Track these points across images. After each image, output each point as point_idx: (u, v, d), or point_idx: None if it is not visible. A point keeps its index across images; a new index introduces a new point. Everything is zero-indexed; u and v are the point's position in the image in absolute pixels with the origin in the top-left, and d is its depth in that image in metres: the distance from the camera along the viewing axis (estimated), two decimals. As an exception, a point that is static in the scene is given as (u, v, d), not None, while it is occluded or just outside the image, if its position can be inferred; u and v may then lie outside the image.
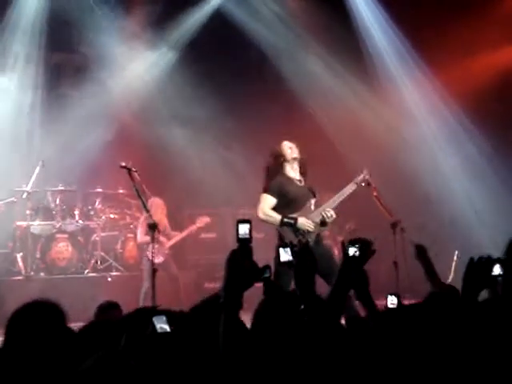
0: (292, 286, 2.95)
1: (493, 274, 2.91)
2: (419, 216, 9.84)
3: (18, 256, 9.36)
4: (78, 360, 2.34)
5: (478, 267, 2.88)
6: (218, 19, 10.90)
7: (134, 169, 7.23)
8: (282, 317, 2.64)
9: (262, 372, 2.48)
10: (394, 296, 2.97)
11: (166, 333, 2.31)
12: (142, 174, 7.58)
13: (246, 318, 2.64)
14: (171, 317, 2.34)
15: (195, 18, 11.15)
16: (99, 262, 9.69)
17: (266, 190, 6.30)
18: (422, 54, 10.78)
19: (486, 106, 10.30)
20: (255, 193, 6.42)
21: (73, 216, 9.89)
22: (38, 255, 9.31)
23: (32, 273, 9.18)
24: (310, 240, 6.17)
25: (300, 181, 6.47)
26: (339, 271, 2.88)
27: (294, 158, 6.47)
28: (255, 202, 6.41)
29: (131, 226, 10.08)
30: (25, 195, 9.41)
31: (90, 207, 10.14)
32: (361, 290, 2.86)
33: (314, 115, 10.97)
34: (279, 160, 6.43)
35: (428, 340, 2.64)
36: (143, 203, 7.21)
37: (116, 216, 10.26)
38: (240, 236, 2.52)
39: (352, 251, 2.85)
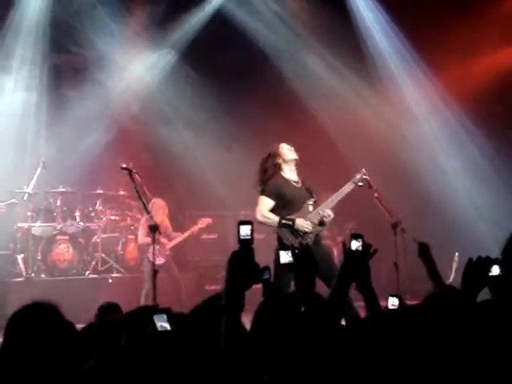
0: (292, 287, 2.94)
1: (491, 274, 2.91)
2: (420, 216, 9.82)
3: (19, 257, 9.36)
4: (80, 361, 2.34)
5: (476, 267, 2.88)
6: (219, 19, 10.90)
7: (134, 170, 7.23)
8: (282, 319, 2.63)
9: (261, 373, 2.47)
10: (394, 297, 2.97)
11: (166, 332, 2.31)
12: (142, 176, 7.58)
13: (246, 320, 2.63)
14: (172, 316, 2.34)
15: (196, 19, 11.15)
16: (100, 264, 9.69)
17: (264, 192, 6.31)
18: (422, 54, 10.78)
19: (487, 107, 10.30)
20: (256, 194, 6.42)
21: (73, 217, 9.89)
22: (38, 257, 9.31)
23: (33, 274, 9.18)
24: (308, 240, 6.17)
25: (297, 182, 6.47)
26: (341, 265, 2.88)
27: (293, 160, 6.48)
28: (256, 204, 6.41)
29: (132, 228, 10.07)
30: (26, 197, 9.40)
31: (90, 209, 10.15)
32: (363, 283, 2.86)
33: (316, 115, 10.98)
34: (277, 161, 6.43)
35: (427, 340, 2.64)
36: (144, 205, 7.20)
37: (117, 217, 10.25)
38: (241, 237, 2.51)
39: (355, 245, 2.85)
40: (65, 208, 9.82)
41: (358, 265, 2.84)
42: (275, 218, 6.22)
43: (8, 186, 9.53)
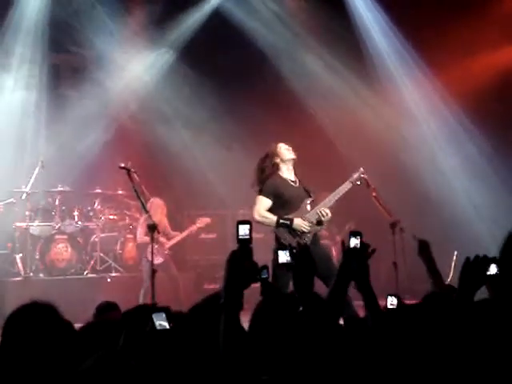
0: (291, 287, 2.94)
1: (489, 273, 2.90)
2: (419, 216, 9.82)
3: (18, 257, 9.35)
4: (78, 360, 2.34)
5: (473, 266, 2.88)
6: (217, 19, 10.90)
7: (133, 169, 7.22)
8: (280, 318, 2.63)
9: (260, 372, 2.47)
10: (393, 297, 2.97)
11: (165, 331, 2.30)
12: (141, 175, 7.57)
13: (245, 319, 2.63)
14: (171, 314, 2.34)
15: (194, 18, 11.15)
16: (98, 263, 9.69)
17: (262, 192, 6.31)
18: (421, 53, 10.77)
19: (486, 106, 10.30)
20: (255, 193, 6.42)
21: (72, 217, 9.88)
22: (37, 256, 9.31)
23: (31, 274, 9.17)
24: (306, 240, 6.17)
25: (295, 182, 6.47)
26: (340, 264, 2.88)
27: (291, 159, 6.48)
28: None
29: (130, 227, 10.07)
30: (24, 196, 9.40)
31: (89, 208, 10.14)
32: (362, 282, 2.86)
33: (314, 115, 10.97)
34: (275, 161, 6.43)
35: (426, 340, 2.64)
36: (142, 204, 7.20)
37: (115, 217, 10.25)
38: (240, 237, 2.51)
39: (353, 242, 2.85)
40: (63, 207, 9.81)
41: (356, 264, 2.84)
42: (273, 218, 6.22)
43: (6, 185, 9.52)
